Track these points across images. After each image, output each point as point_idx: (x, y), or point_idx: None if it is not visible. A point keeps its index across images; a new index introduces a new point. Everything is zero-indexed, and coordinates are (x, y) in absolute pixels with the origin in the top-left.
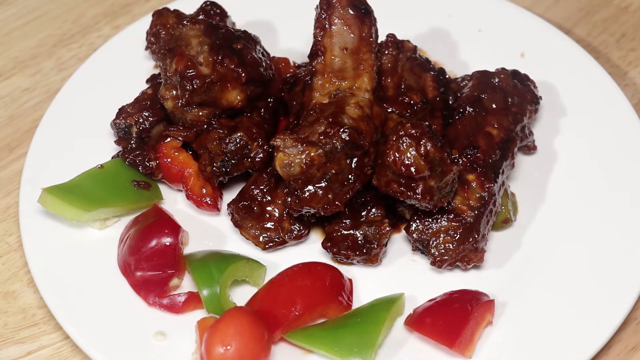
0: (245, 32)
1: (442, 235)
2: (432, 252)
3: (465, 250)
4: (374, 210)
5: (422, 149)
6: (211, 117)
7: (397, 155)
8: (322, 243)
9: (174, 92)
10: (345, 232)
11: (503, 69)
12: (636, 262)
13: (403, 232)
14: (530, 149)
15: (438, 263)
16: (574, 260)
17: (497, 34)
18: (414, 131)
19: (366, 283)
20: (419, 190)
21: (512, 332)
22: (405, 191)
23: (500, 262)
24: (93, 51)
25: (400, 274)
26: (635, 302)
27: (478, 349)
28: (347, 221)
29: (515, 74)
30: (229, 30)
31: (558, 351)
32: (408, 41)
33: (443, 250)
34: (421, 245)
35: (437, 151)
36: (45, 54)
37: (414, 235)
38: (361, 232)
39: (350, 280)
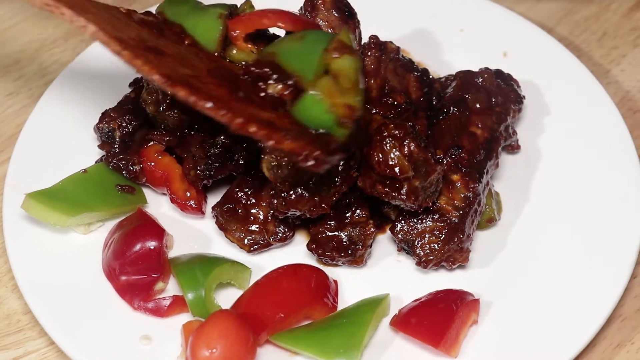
0: None
1: (427, 235)
2: (418, 252)
3: (451, 250)
4: (358, 211)
5: (405, 149)
6: (193, 121)
7: (381, 156)
8: (307, 245)
9: (156, 96)
10: (330, 234)
11: (486, 68)
12: (620, 259)
13: (388, 232)
14: (514, 148)
15: (423, 263)
16: (558, 259)
17: (480, 33)
18: (397, 132)
19: (351, 284)
20: (403, 191)
21: (497, 331)
22: (389, 192)
23: (485, 261)
24: (76, 55)
25: (386, 275)
26: (619, 300)
27: (463, 349)
28: (332, 222)
29: (498, 73)
30: None
31: (543, 349)
32: (391, 42)
33: (428, 251)
34: (406, 246)
35: (421, 151)
36: (27, 58)
37: (399, 235)
38: (346, 233)
39: (335, 281)
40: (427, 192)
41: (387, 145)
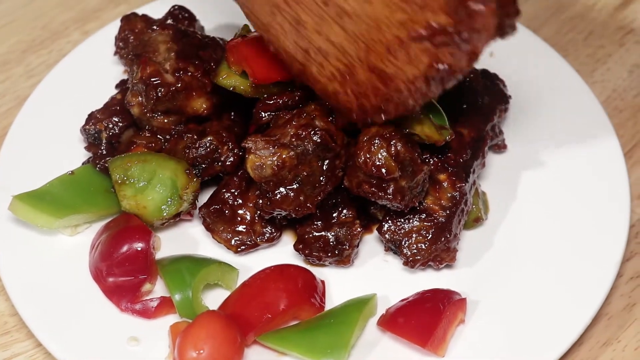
0: (213, 38)
1: (414, 235)
2: (405, 252)
3: (438, 250)
4: (345, 211)
5: (392, 149)
6: (178, 124)
7: (368, 157)
8: (294, 245)
9: (140, 98)
10: (317, 234)
11: (473, 68)
12: (606, 257)
13: (375, 232)
14: (500, 147)
15: (410, 263)
16: (545, 258)
17: None
18: (384, 132)
19: (339, 284)
20: (390, 191)
21: (484, 330)
22: (376, 192)
23: (472, 260)
24: (62, 57)
25: (373, 275)
26: (605, 298)
27: (451, 348)
28: (319, 223)
29: (484, 73)
30: (197, 36)
31: (530, 347)
32: None
33: (415, 250)
34: (394, 246)
35: (408, 151)
36: (14, 60)
37: (387, 235)
38: (333, 233)
39: (322, 281)
40: (414, 192)
41: (374, 145)
